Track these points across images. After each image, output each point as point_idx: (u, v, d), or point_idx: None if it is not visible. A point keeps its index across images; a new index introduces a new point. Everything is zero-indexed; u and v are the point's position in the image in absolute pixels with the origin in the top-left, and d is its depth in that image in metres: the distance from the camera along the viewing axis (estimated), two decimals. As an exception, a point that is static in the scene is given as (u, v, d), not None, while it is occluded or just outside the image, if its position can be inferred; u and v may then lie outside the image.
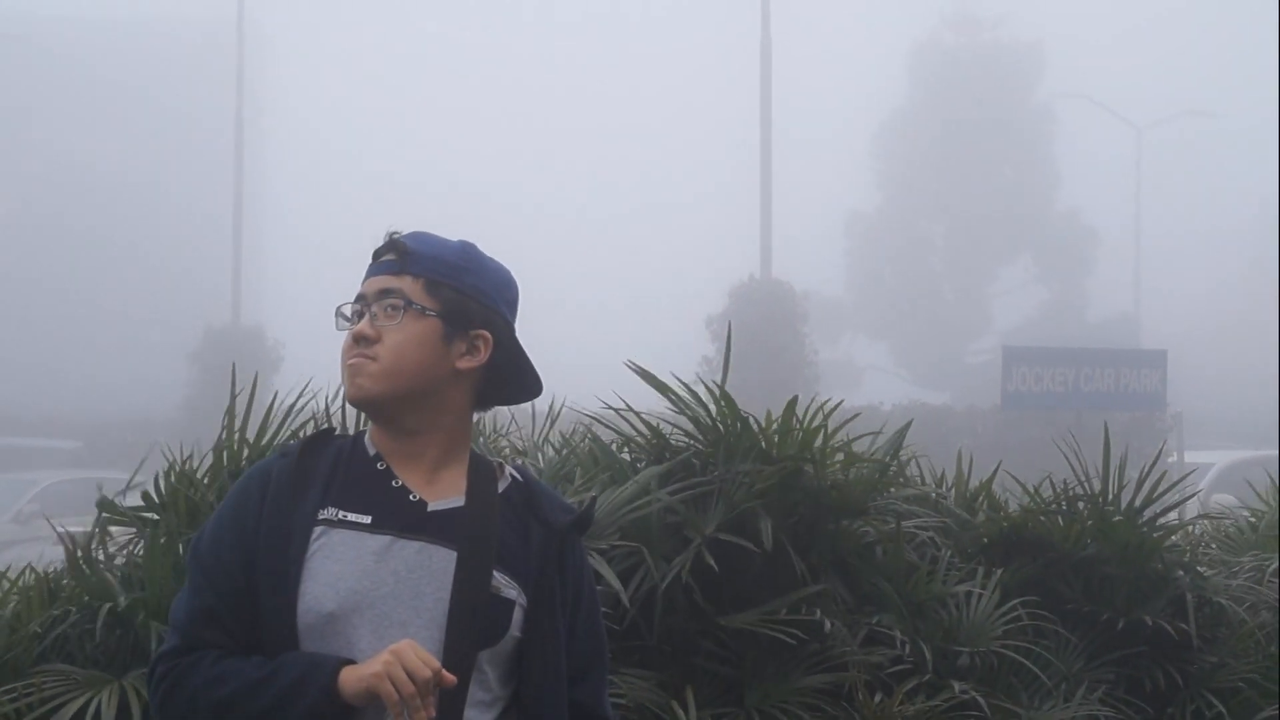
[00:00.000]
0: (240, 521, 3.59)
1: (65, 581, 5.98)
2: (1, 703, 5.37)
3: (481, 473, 3.75)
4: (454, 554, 3.62)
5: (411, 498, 3.65)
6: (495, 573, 3.65)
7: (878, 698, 6.13)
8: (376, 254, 3.80)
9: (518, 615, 3.68)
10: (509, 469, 3.83)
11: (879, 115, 64.97)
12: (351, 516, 3.59)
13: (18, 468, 30.69)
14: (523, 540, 3.73)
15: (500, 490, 3.76)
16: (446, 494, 3.69)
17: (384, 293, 3.72)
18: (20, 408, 45.39)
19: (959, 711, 6.25)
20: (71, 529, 6.35)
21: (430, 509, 3.65)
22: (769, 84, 37.23)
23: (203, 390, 38.00)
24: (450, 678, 3.48)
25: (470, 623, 3.61)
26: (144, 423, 38.79)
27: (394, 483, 3.66)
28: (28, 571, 6.16)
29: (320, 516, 3.58)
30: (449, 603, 3.60)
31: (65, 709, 5.33)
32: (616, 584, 5.88)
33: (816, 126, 68.98)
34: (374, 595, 3.54)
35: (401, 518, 3.62)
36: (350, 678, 3.46)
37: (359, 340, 3.69)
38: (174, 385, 41.52)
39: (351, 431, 3.97)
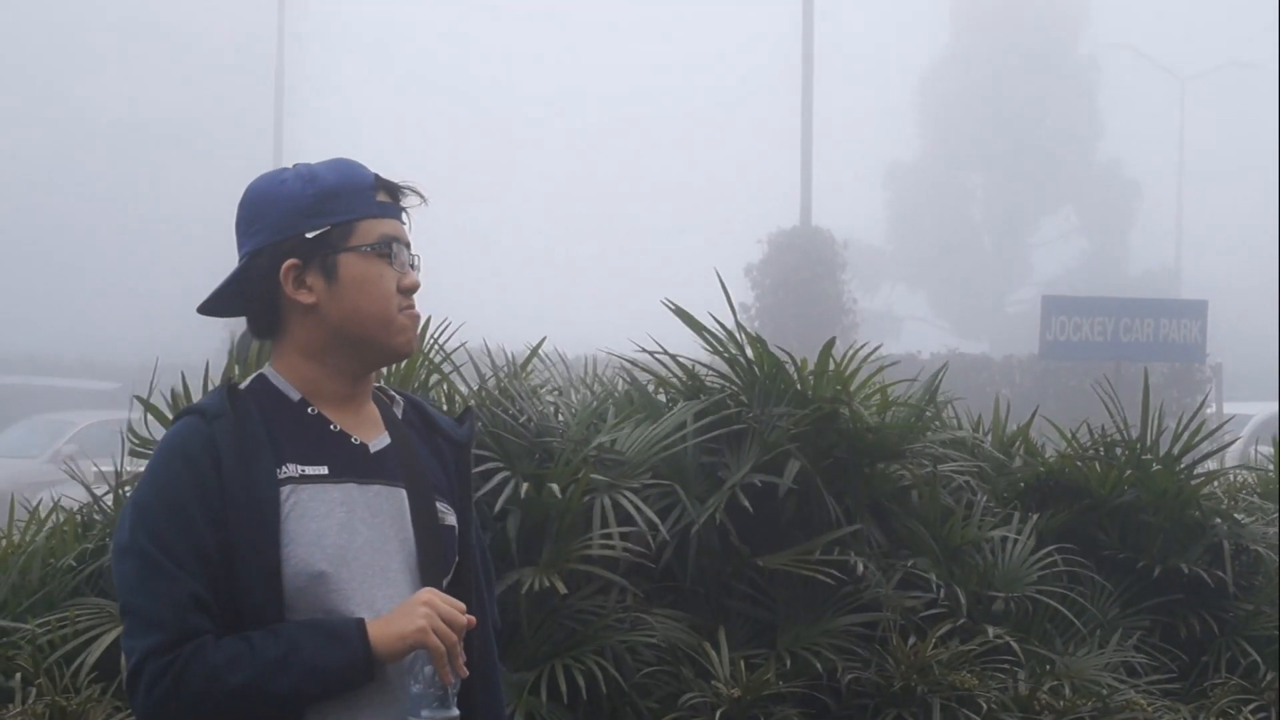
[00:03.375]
0: (202, 497, 3.37)
1: (97, 517, 6.00)
2: (37, 634, 5.40)
3: (384, 405, 3.68)
4: (403, 492, 3.56)
5: (353, 440, 3.55)
6: (436, 503, 3.62)
7: (910, 641, 6.12)
8: (374, 187, 3.59)
9: (456, 539, 3.67)
10: (393, 393, 3.74)
11: (921, 64, 64.77)
12: (309, 470, 3.46)
13: (56, 408, 30.78)
14: (439, 462, 3.69)
15: (401, 417, 3.69)
16: (373, 433, 3.59)
17: (408, 244, 3.62)
18: (59, 349, 45.59)
19: (992, 656, 6.24)
20: (107, 469, 6.38)
21: (372, 450, 3.56)
22: (811, 31, 37.07)
23: (240, 332, 38.09)
24: (473, 619, 3.45)
25: (436, 557, 3.57)
26: (183, 365, 38.87)
27: (332, 428, 3.54)
28: (59, 509, 6.19)
29: (282, 475, 3.43)
30: (413, 541, 3.55)
31: (99, 640, 5.35)
32: (655, 520, 5.89)
33: (858, 75, 68.76)
34: (353, 547, 3.45)
35: (352, 463, 3.51)
36: (384, 637, 3.37)
37: (410, 291, 3.57)
38: (213, 328, 41.59)
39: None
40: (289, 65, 46.76)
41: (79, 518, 6.05)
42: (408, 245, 3.60)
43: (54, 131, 62.62)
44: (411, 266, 3.59)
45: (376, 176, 3.61)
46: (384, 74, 78.58)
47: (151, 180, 63.39)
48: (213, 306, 3.64)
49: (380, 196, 3.59)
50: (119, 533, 3.42)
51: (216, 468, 3.39)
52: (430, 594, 3.42)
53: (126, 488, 6.04)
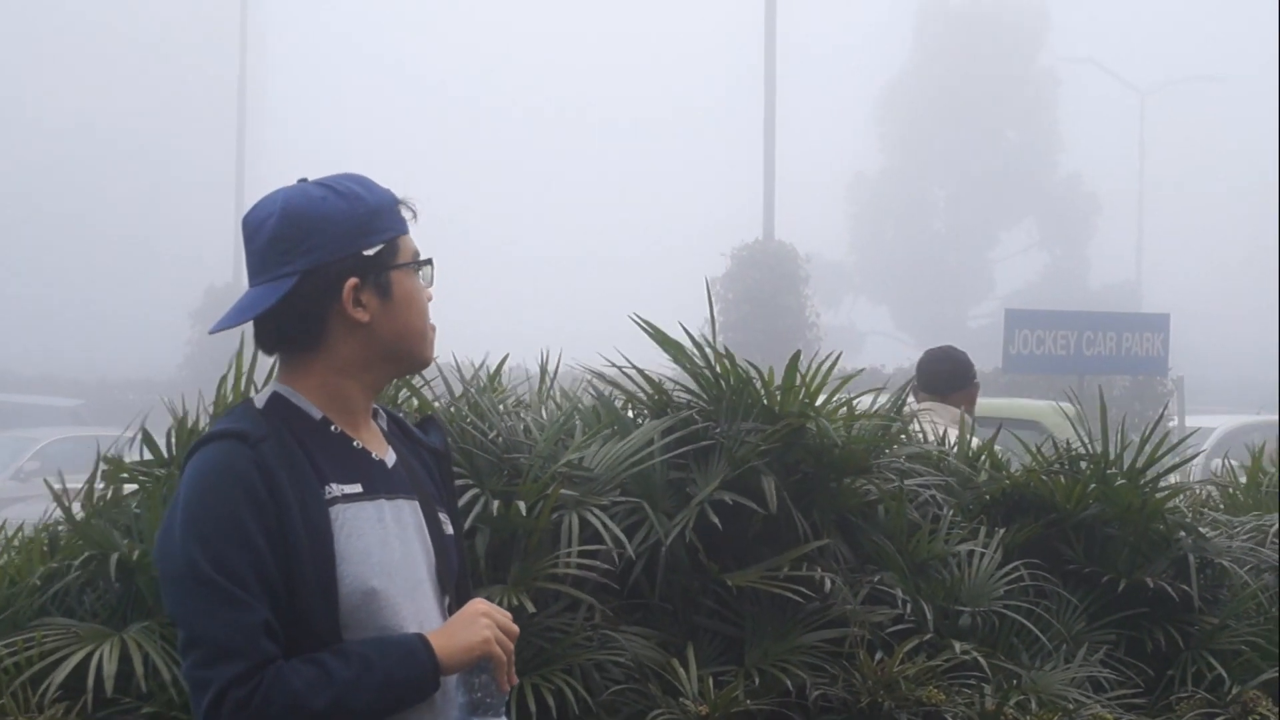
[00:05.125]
0: (261, 521, 3.39)
1: (62, 529, 5.97)
2: (1, 656, 5.37)
3: (375, 419, 3.75)
4: (417, 505, 3.65)
5: (374, 457, 3.62)
6: (439, 513, 3.73)
7: (878, 656, 6.13)
8: (398, 204, 3.69)
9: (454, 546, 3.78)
10: (375, 407, 3.79)
11: (883, 77, 64.98)
12: (347, 489, 3.52)
13: (18, 425, 30.68)
14: (426, 473, 3.77)
15: (385, 430, 3.74)
16: (382, 448, 3.66)
17: None
18: (21, 365, 45.47)
19: (959, 671, 6.24)
20: (72, 486, 6.35)
21: (388, 465, 3.64)
22: (773, 44, 37.15)
23: (204, 349, 38.05)
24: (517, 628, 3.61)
25: (448, 566, 3.68)
26: (145, 381, 38.87)
27: (355, 445, 3.60)
28: (24, 526, 6.16)
29: (328, 495, 3.49)
30: (433, 553, 3.65)
31: (66, 662, 5.33)
32: (622, 538, 5.89)
33: (820, 88, 68.93)
34: (394, 562, 3.53)
35: (377, 479, 3.59)
36: (451, 650, 3.48)
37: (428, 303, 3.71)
38: (175, 344, 41.55)
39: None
40: (251, 82, 46.64)
41: (45, 535, 6.02)
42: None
43: (11, 144, 62.39)
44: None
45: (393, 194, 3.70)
46: (345, 87, 78.48)
47: (112, 191, 63.19)
48: (226, 322, 3.65)
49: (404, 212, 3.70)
50: (169, 561, 3.42)
51: (270, 491, 3.41)
52: (486, 605, 3.56)
53: (112, 503, 6.03)
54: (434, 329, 3.69)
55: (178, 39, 64.91)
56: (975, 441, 7.62)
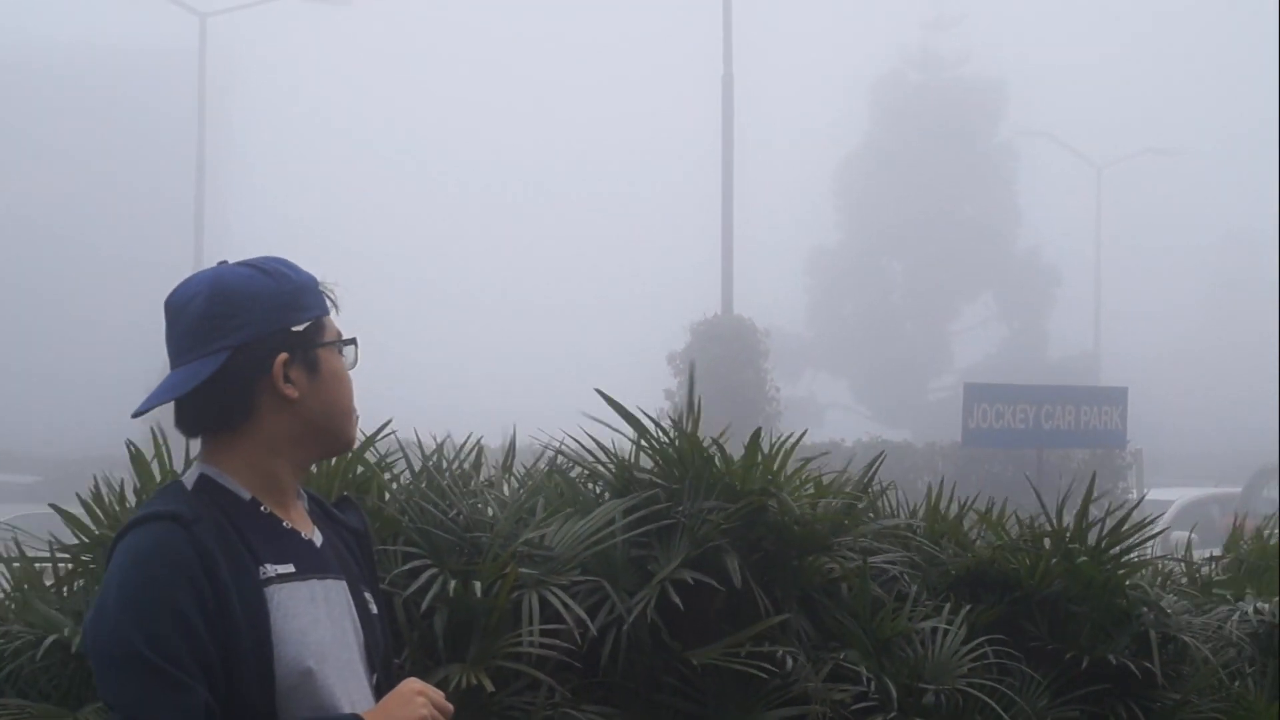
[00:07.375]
0: (200, 603, 3.36)
1: (12, 608, 5.92)
2: (-47, 739, 5.31)
3: (298, 499, 3.75)
4: (344, 584, 3.65)
5: (303, 536, 3.61)
6: (364, 592, 3.73)
7: (841, 735, 6.09)
8: (319, 288, 3.72)
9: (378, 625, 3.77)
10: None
11: (841, 152, 65.22)
12: (280, 569, 3.50)
13: (-28, 502, 30.46)
14: (348, 552, 3.76)
15: (307, 509, 3.73)
16: (309, 528, 3.66)
17: None
18: (-25, 441, 45.17)
19: (923, 749, 6.21)
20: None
21: (316, 545, 3.64)
22: (731, 119, 37.25)
23: (166, 422, 37.84)
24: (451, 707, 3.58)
25: (375, 646, 3.69)
26: (104, 458, 38.58)
27: (284, 525, 3.59)
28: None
29: (262, 575, 3.47)
30: (362, 632, 3.65)
31: (19, 743, 5.28)
32: (584, 617, 5.85)
33: (778, 163, 69.22)
34: (328, 643, 3.52)
35: (308, 559, 3.59)
36: None
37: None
38: (134, 420, 41.24)
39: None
40: (210, 160, 46.60)
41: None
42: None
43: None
44: None
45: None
46: (304, 165, 78.60)
47: (71, 264, 63.06)
48: (152, 401, 3.65)
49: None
50: (103, 644, 3.37)
51: (207, 572, 3.38)
52: (420, 684, 3.53)
53: (66, 587, 5.98)
54: (357, 414, 3.71)
55: (135, 108, 64.84)
56: None
